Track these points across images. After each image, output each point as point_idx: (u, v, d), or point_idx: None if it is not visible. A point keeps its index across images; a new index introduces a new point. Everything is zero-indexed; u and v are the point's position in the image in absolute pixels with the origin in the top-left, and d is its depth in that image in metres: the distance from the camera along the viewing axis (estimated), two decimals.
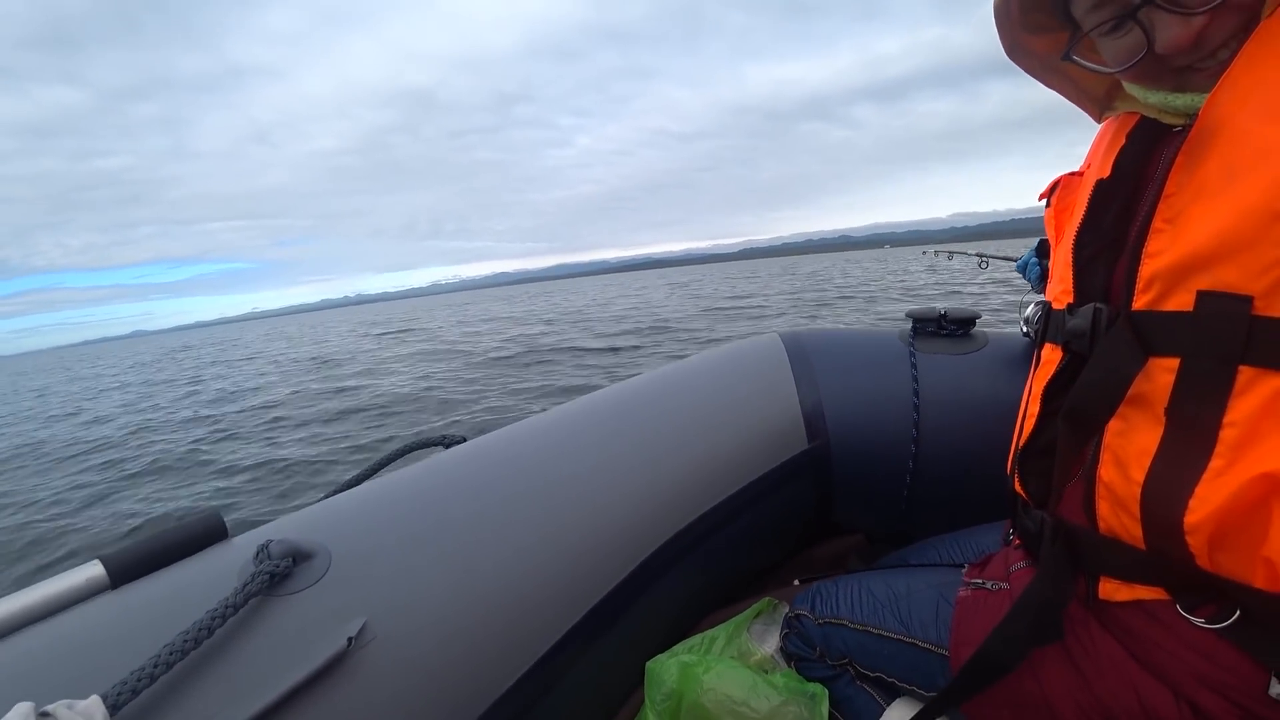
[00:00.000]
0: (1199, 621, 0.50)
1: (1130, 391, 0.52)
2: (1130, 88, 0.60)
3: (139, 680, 0.48)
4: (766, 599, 1.03)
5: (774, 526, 1.16)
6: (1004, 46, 0.63)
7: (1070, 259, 0.62)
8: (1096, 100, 0.68)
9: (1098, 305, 0.56)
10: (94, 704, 0.46)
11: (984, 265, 1.81)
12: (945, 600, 0.70)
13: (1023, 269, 1.15)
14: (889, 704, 0.75)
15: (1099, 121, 0.69)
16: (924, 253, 5.78)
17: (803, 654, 0.82)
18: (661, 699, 0.77)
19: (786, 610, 1.04)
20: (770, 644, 0.97)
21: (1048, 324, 0.66)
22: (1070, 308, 0.61)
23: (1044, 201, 0.75)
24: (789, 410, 1.16)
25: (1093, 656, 0.57)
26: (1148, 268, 0.52)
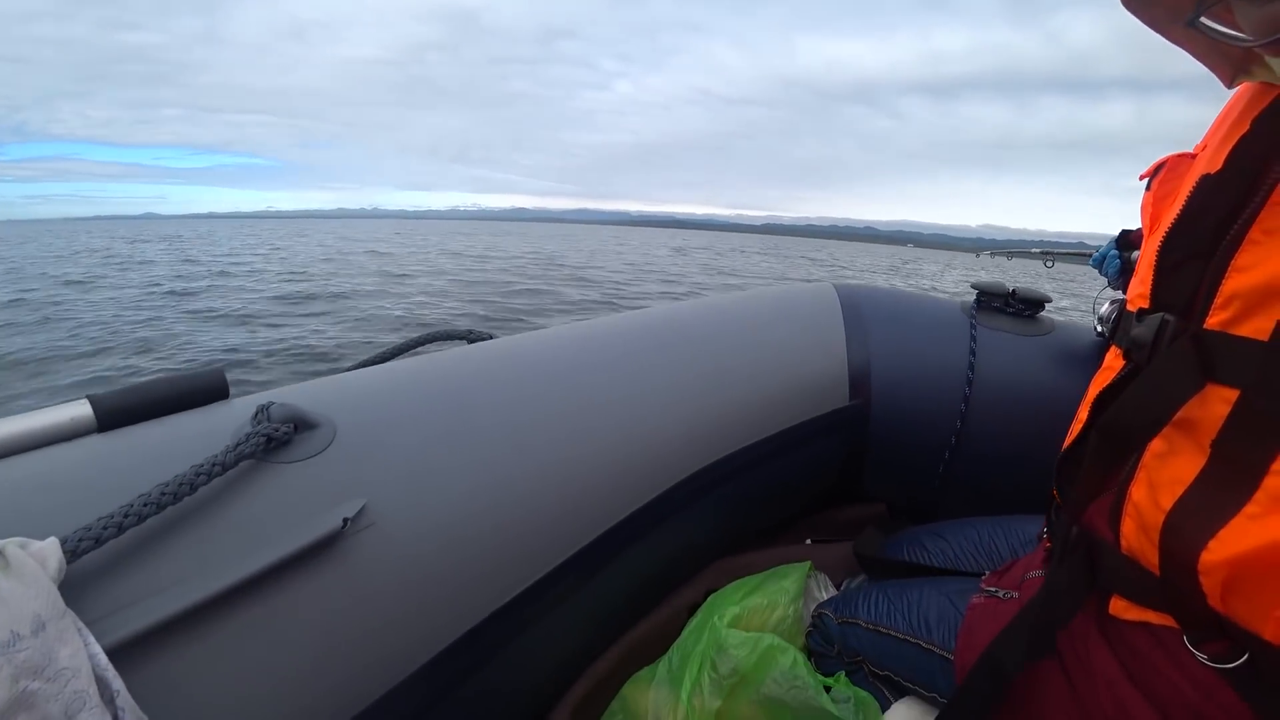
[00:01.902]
0: (1204, 657, 0.48)
1: (1180, 415, 0.48)
2: (1272, 61, 0.49)
3: (104, 528, 0.42)
4: (808, 563, 0.98)
5: (798, 481, 1.11)
6: None
7: (1154, 261, 0.54)
8: (1233, 61, 0.55)
9: (1165, 316, 0.51)
10: (50, 546, 0.40)
11: (1050, 264, 1.69)
12: (954, 606, 0.72)
13: (1099, 263, 1.05)
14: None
15: (1229, 87, 0.57)
16: (978, 255, 5.43)
17: (822, 650, 0.85)
18: (728, 674, 0.74)
19: (816, 582, 0.99)
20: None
21: (1118, 325, 0.59)
22: (1140, 313, 0.55)
23: (1144, 182, 0.65)
24: (834, 363, 1.09)
25: (1087, 670, 0.55)
26: (1231, 283, 0.46)
